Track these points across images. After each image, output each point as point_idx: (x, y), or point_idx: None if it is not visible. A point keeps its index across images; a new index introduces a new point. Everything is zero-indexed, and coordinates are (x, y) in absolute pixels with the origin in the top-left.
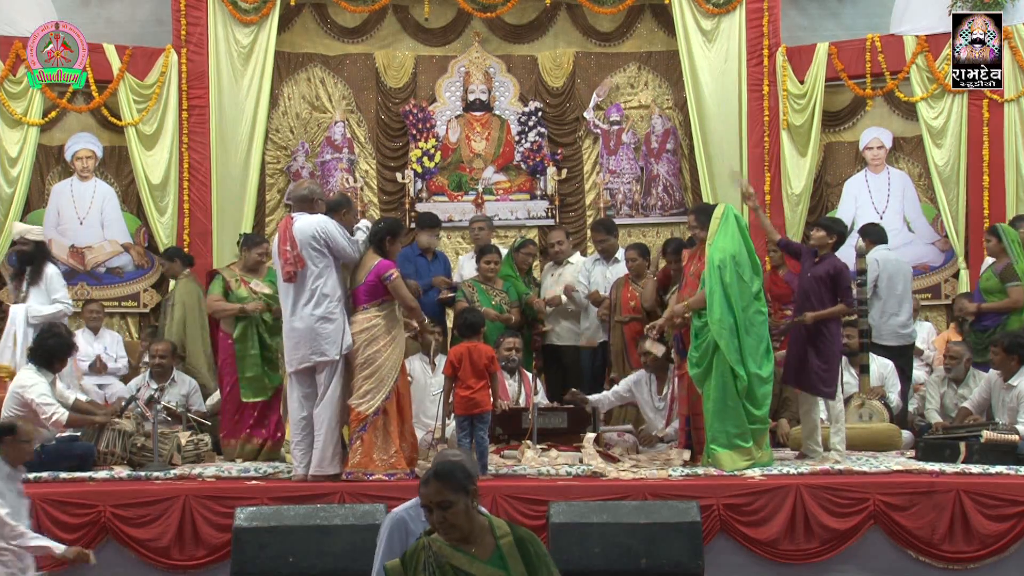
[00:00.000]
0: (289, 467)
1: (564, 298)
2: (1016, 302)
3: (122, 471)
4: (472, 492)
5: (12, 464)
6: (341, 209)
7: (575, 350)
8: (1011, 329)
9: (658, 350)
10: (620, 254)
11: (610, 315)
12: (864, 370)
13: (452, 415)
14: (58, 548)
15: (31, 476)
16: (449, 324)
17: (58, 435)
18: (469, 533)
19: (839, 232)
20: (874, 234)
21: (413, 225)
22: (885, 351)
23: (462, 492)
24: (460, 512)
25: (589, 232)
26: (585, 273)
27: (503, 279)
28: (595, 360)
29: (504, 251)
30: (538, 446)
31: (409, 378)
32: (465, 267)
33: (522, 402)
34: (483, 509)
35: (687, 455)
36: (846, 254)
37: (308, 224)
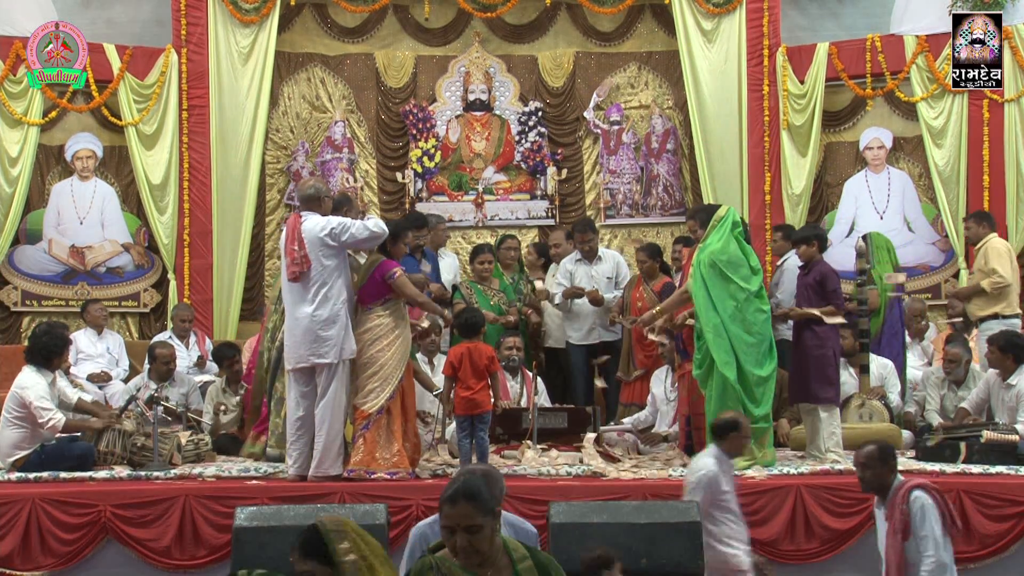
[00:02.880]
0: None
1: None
2: (870, 305)
3: (122, 471)
4: (498, 514)
5: (730, 455)
6: (342, 208)
7: (567, 353)
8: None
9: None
10: (603, 252)
11: (619, 315)
12: (864, 370)
13: (452, 415)
14: None
15: (31, 476)
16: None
17: (58, 435)
18: (489, 557)
19: (817, 236)
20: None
21: None
22: None
23: (490, 515)
24: (486, 537)
25: (573, 233)
26: (566, 274)
27: (497, 278)
28: (588, 360)
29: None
30: (538, 446)
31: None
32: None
33: (523, 402)
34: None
35: (687, 459)
36: (846, 254)
37: (317, 224)
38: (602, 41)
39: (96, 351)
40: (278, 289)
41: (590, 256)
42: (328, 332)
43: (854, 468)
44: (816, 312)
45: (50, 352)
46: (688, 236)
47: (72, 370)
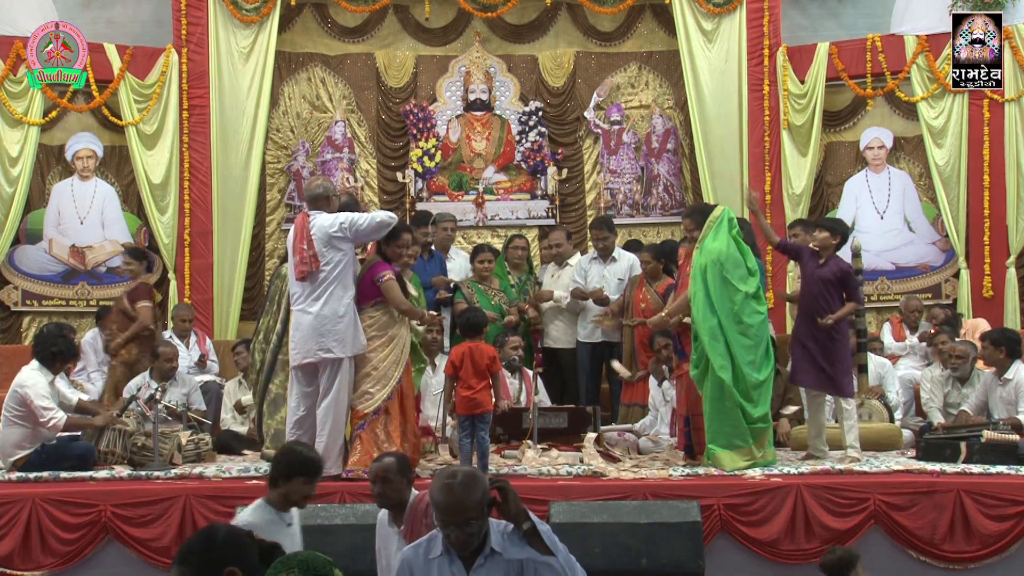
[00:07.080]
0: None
1: (547, 303)
2: None
3: (123, 470)
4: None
5: None
6: (348, 210)
7: (570, 352)
8: None
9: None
10: (617, 253)
11: (621, 316)
12: (863, 370)
13: (453, 415)
14: None
15: (31, 476)
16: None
17: (58, 434)
18: None
19: (842, 233)
20: None
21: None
22: None
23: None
24: None
25: (588, 230)
26: (581, 272)
27: (498, 278)
28: (594, 357)
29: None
30: (538, 446)
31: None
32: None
33: (524, 402)
34: None
35: (687, 460)
36: (845, 252)
37: (326, 221)
38: (602, 41)
39: (103, 358)
40: (272, 290)
41: (604, 255)
42: (335, 328)
43: (369, 481)
44: (845, 311)
45: (57, 356)
46: (665, 241)
47: (77, 376)
